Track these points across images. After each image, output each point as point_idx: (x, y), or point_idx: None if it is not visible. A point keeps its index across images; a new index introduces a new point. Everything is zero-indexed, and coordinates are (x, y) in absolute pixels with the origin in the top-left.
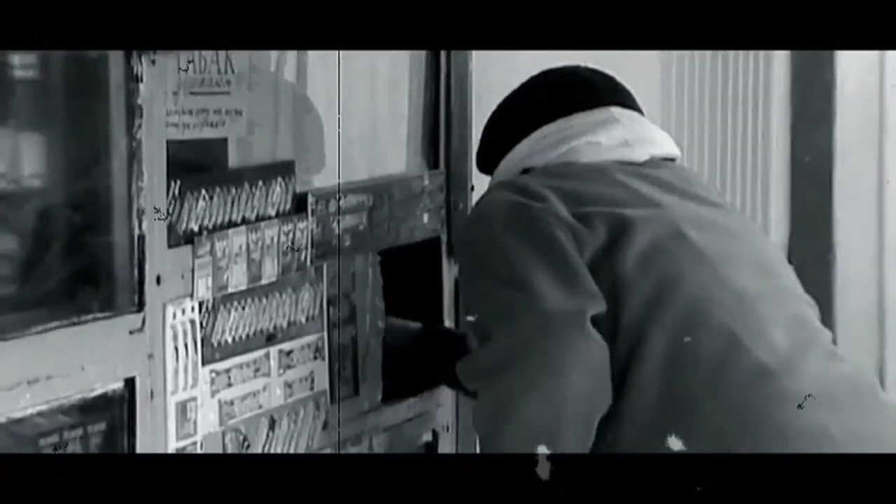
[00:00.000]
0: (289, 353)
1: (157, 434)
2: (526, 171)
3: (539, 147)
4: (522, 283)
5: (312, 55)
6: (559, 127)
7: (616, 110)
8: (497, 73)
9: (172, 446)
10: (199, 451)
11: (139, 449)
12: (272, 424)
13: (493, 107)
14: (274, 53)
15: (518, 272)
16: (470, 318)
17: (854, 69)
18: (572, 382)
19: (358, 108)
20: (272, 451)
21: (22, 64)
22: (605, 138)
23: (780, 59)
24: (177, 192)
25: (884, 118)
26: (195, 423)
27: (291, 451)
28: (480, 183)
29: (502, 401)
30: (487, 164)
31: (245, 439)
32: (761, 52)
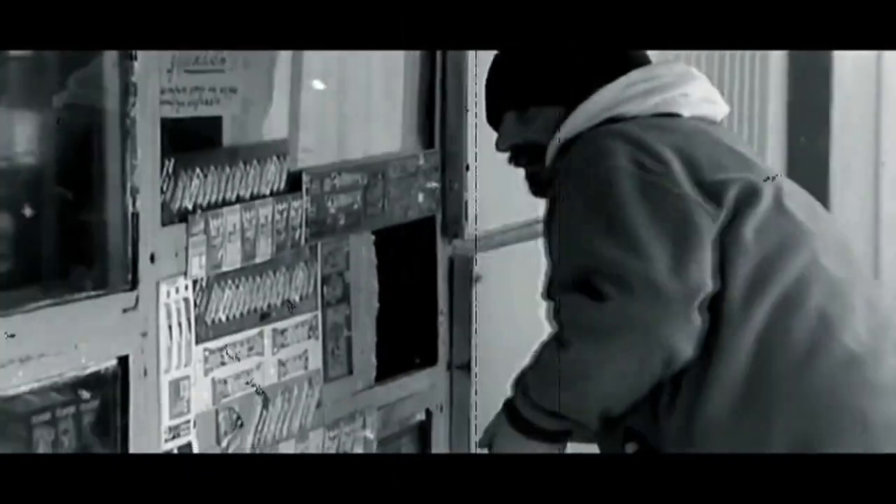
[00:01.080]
0: (283, 331)
1: (150, 412)
2: (612, 119)
3: (628, 94)
4: (646, 255)
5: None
6: (646, 75)
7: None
8: (491, 52)
9: (165, 424)
10: (192, 429)
11: (132, 426)
12: (265, 403)
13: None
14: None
15: (642, 242)
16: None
17: (850, 59)
18: (672, 358)
19: (353, 88)
20: (266, 429)
21: None
22: (692, 91)
23: (779, 61)
24: (171, 170)
25: (880, 100)
26: (188, 401)
27: (285, 430)
28: (475, 162)
29: (596, 363)
30: (540, 100)
31: (238, 418)
32: (757, 53)
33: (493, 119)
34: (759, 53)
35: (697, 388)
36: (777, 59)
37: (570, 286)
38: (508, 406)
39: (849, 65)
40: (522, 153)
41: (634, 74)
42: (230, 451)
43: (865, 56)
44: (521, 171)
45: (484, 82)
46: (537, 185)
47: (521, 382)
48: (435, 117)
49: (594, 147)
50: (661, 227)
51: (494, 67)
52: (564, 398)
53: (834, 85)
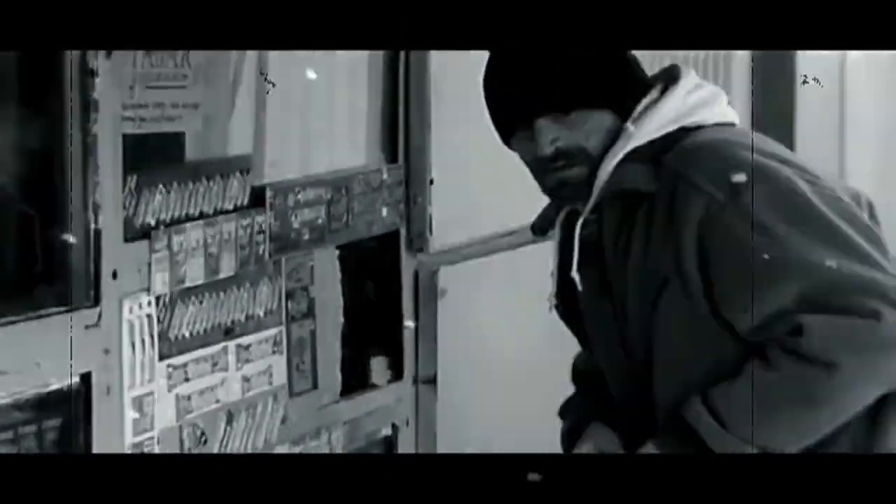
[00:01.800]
0: (247, 347)
1: (114, 429)
2: (683, 129)
3: (691, 103)
4: (882, 267)
5: (272, 52)
6: (695, 83)
7: None
8: (456, 67)
9: (129, 441)
10: (155, 445)
11: (96, 444)
12: (230, 419)
13: (453, 100)
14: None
15: (872, 255)
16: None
17: (815, 66)
18: None
19: (317, 103)
20: (229, 445)
21: None
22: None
23: (742, 54)
24: (133, 186)
25: (843, 108)
26: (152, 417)
27: (249, 446)
28: (439, 177)
29: (871, 381)
30: (587, 103)
31: (202, 434)
32: (721, 53)
33: (516, 121)
34: (722, 59)
35: None
36: (740, 64)
37: (804, 308)
38: (679, 418)
39: (812, 71)
40: (562, 157)
41: (686, 82)
42: None
43: (829, 60)
44: (498, 178)
45: (496, 84)
46: (568, 189)
47: (710, 402)
48: (398, 132)
49: (762, 170)
50: (867, 235)
51: (521, 70)
52: (793, 423)
53: (797, 91)
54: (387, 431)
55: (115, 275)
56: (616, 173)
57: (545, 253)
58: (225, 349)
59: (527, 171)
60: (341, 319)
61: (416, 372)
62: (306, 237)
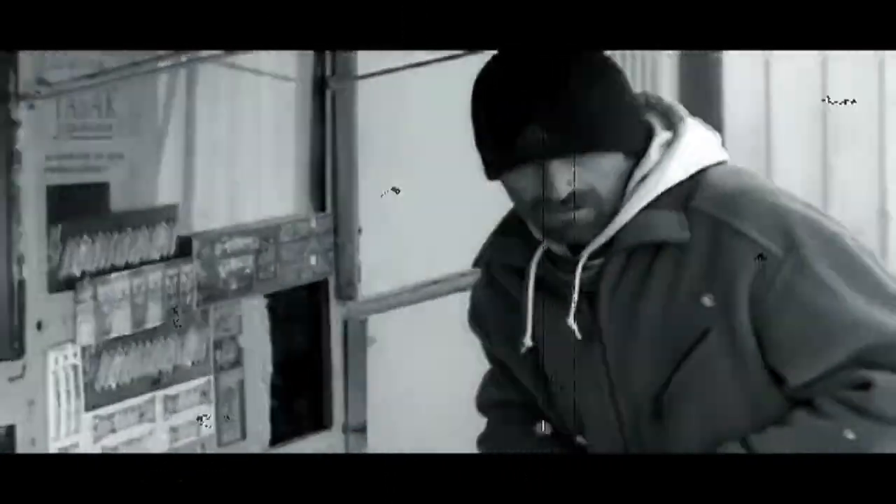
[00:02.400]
0: (174, 397)
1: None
2: (702, 170)
3: (701, 141)
4: None
5: (199, 100)
6: (696, 121)
7: None
8: (382, 115)
9: None
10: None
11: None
12: None
13: (381, 149)
14: (160, 97)
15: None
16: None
17: (739, 72)
18: None
19: (243, 152)
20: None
21: None
22: None
23: (668, 62)
24: (58, 237)
25: (770, 120)
26: None
27: None
28: (367, 225)
29: None
30: (603, 147)
31: None
32: (648, 55)
33: (525, 160)
34: (649, 59)
35: None
36: (667, 67)
37: (864, 364)
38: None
39: (737, 73)
40: (574, 199)
41: (692, 122)
42: None
43: (755, 61)
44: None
45: (505, 119)
46: (574, 231)
47: (750, 446)
48: (326, 181)
49: (801, 218)
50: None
51: (538, 108)
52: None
53: (725, 107)
54: None
55: (39, 326)
56: (640, 219)
57: None
58: (152, 399)
59: (464, 212)
60: (270, 368)
61: (345, 420)
62: (234, 287)
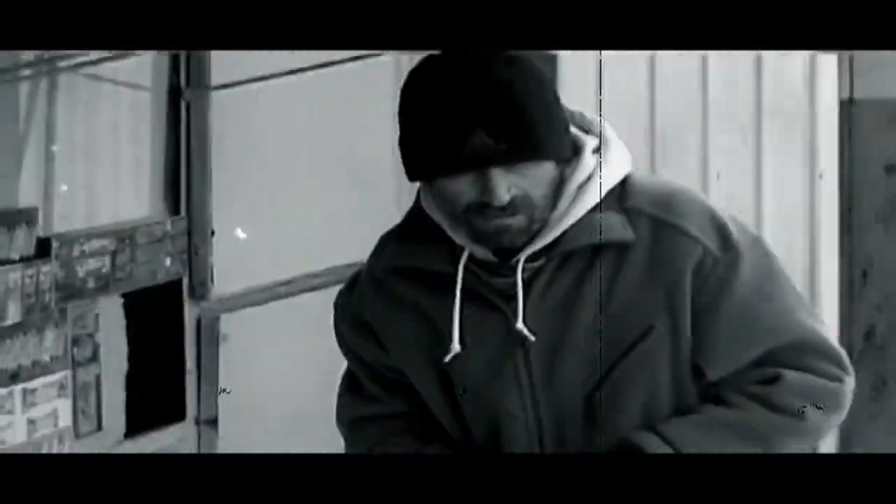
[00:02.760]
0: (33, 391)
1: None
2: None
3: (623, 146)
4: (826, 327)
5: (59, 108)
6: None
7: None
8: (235, 121)
9: None
10: None
11: None
12: None
13: (234, 154)
14: (22, 104)
15: (819, 317)
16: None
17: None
18: None
19: (102, 158)
20: None
21: None
22: None
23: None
24: None
25: (706, 112)
26: None
27: None
28: (220, 228)
29: (822, 432)
30: (541, 156)
31: None
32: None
33: (463, 165)
34: None
35: None
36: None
37: (778, 362)
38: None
39: (670, 74)
40: (511, 205)
41: (609, 127)
42: None
43: (689, 60)
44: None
45: (443, 123)
46: (508, 237)
47: (661, 432)
48: (181, 185)
49: (730, 219)
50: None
51: (479, 115)
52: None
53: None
54: None
55: None
56: (585, 222)
57: (322, 300)
58: (11, 393)
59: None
60: (126, 364)
61: (198, 413)
62: (91, 286)
